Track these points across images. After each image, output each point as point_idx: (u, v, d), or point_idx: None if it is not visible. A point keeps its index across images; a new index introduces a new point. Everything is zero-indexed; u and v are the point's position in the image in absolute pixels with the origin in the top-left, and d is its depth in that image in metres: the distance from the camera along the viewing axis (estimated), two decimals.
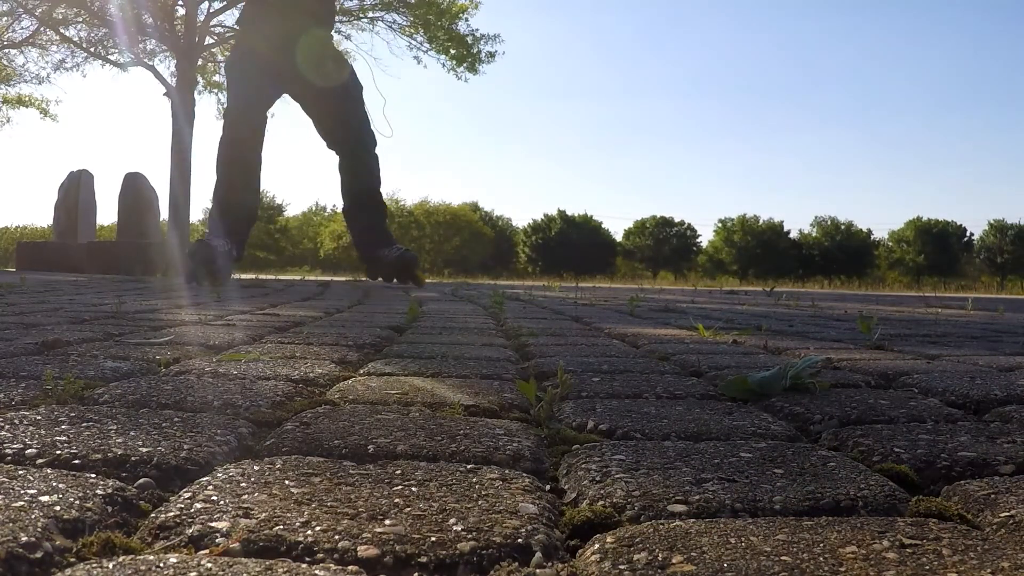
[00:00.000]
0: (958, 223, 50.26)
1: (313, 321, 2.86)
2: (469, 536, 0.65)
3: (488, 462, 0.89)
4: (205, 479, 0.79)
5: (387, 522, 0.68)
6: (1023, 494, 0.78)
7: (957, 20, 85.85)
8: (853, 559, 0.61)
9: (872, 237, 51.43)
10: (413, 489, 0.77)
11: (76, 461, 0.84)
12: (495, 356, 1.91)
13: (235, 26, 8.29)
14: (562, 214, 51.89)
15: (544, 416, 1.12)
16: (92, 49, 19.26)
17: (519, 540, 0.65)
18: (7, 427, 0.96)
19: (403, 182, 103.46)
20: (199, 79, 19.00)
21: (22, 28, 19.38)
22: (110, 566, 0.57)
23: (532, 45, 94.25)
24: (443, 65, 19.66)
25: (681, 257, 51.92)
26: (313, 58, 6.42)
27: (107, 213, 44.39)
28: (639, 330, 2.76)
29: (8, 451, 0.86)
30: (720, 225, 52.76)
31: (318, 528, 0.66)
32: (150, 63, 18.86)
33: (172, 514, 0.68)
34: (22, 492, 0.71)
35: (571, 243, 49.09)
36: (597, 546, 0.64)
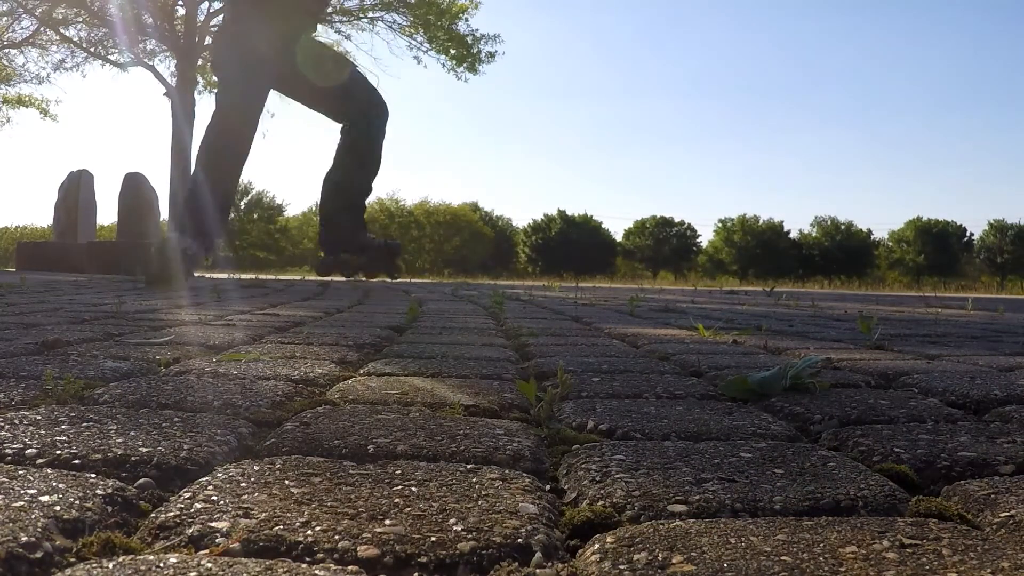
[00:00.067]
0: (958, 223, 50.31)
1: (313, 321, 2.86)
2: (469, 536, 0.65)
3: (488, 462, 0.89)
4: (205, 479, 0.79)
5: (387, 522, 0.68)
6: (1023, 494, 0.78)
7: (957, 20, 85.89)
8: (853, 559, 0.61)
9: (872, 237, 51.46)
10: (413, 489, 0.77)
11: (76, 461, 0.84)
12: (495, 356, 1.91)
13: (222, 21, 7.97)
14: (562, 214, 51.91)
15: (544, 416, 1.12)
16: (92, 49, 19.27)
17: (519, 540, 0.65)
18: (7, 427, 0.96)
19: (403, 182, 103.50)
20: (199, 79, 19.00)
21: (22, 28, 19.40)
22: (110, 566, 0.57)
23: (532, 45, 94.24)
24: (443, 65, 19.68)
25: (681, 257, 51.93)
26: (312, 57, 6.39)
27: (107, 213, 44.38)
28: (639, 330, 2.76)
29: (8, 451, 0.86)
30: (720, 225, 52.79)
31: (318, 528, 0.66)
32: (150, 63, 18.88)
33: (172, 514, 0.68)
34: (22, 492, 0.71)
35: (571, 243, 49.11)
36: (597, 546, 0.64)
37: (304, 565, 0.59)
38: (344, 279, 7.45)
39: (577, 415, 1.18)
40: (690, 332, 2.70)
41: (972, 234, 50.50)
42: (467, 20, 19.19)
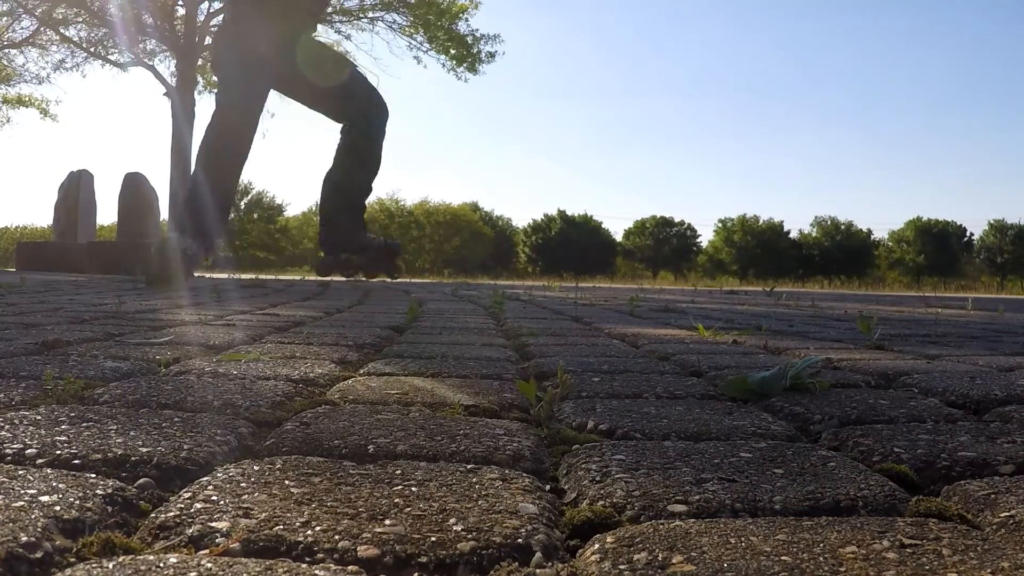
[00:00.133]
0: (958, 223, 50.33)
1: (313, 321, 2.86)
2: (469, 536, 0.65)
3: (488, 462, 0.89)
4: (205, 479, 0.79)
5: (387, 522, 0.68)
6: (1023, 494, 0.78)
7: (957, 20, 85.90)
8: (853, 559, 0.61)
9: (872, 237, 51.48)
10: (413, 489, 0.77)
11: (76, 461, 0.84)
12: (495, 356, 1.91)
13: (222, 21, 7.89)
14: (562, 214, 51.92)
15: (544, 416, 1.12)
16: (92, 49, 19.27)
17: (519, 540, 0.65)
18: (7, 427, 0.96)
19: (403, 182, 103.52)
20: (199, 79, 19.00)
21: (22, 28, 19.40)
22: (110, 566, 0.57)
23: (532, 45, 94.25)
24: (443, 65, 19.69)
25: (681, 257, 51.94)
26: (312, 57, 6.37)
27: (107, 213, 44.40)
28: (639, 330, 2.76)
29: (8, 451, 0.86)
30: (720, 225, 52.80)
31: (318, 528, 0.66)
32: (150, 63, 18.88)
33: (172, 514, 0.68)
34: (22, 492, 0.71)
35: (571, 243, 49.12)
36: (597, 546, 0.64)
37: (304, 565, 0.59)
38: (344, 279, 7.43)
39: (577, 415, 1.18)
40: (690, 332, 2.70)
41: (972, 234, 50.54)
42: (467, 20, 19.20)
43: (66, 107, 68.91)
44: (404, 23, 19.39)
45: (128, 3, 16.90)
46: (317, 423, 1.06)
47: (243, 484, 0.77)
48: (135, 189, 12.29)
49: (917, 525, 0.69)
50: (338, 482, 0.79)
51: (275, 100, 7.05)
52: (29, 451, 0.86)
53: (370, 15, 19.38)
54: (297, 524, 0.66)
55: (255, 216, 50.08)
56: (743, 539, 0.65)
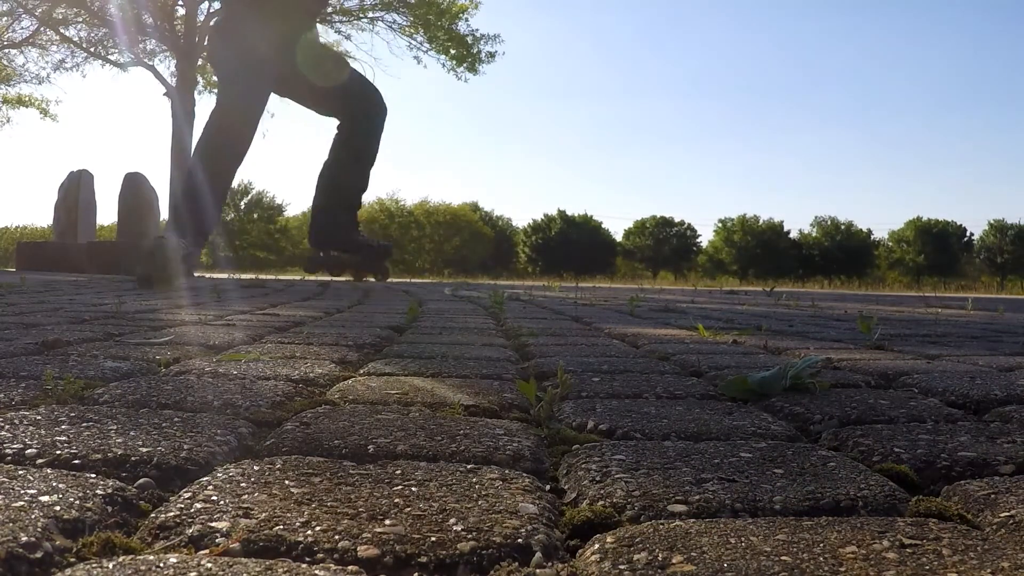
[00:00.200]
0: (958, 223, 50.36)
1: (313, 321, 2.86)
2: (469, 536, 0.65)
3: (488, 462, 0.89)
4: (205, 479, 0.79)
5: (387, 522, 0.68)
6: (1023, 494, 0.78)
7: (957, 20, 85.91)
8: (853, 559, 0.61)
9: (872, 237, 51.50)
10: (413, 489, 0.77)
11: (76, 461, 0.84)
12: (495, 356, 1.91)
13: (217, 18, 7.81)
14: (562, 214, 51.93)
15: (544, 416, 1.12)
16: (92, 49, 19.27)
17: (519, 540, 0.65)
18: (7, 427, 0.96)
19: (403, 182, 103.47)
20: (199, 79, 19.00)
21: (22, 28, 19.40)
22: (110, 566, 0.57)
23: (532, 45, 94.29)
24: (443, 65, 19.68)
25: (681, 257, 51.96)
26: (312, 57, 6.36)
27: (107, 213, 44.45)
28: (639, 330, 2.76)
29: (8, 451, 0.86)
30: (720, 225, 52.82)
31: (318, 528, 0.66)
32: (150, 63, 18.88)
33: (172, 514, 0.68)
34: (22, 492, 0.71)
35: (571, 243, 49.14)
36: (597, 546, 0.64)
37: (304, 565, 0.59)
38: (343, 280, 7.43)
39: (577, 415, 1.18)
40: (690, 332, 2.70)
41: (972, 234, 50.57)
42: (467, 20, 19.20)
43: (66, 107, 69.08)
44: (404, 23, 19.39)
45: (128, 3, 16.90)
46: (317, 423, 1.06)
47: (243, 484, 0.77)
48: (135, 189, 12.29)
49: (917, 525, 0.69)
50: (338, 482, 0.79)
51: (275, 100, 7.02)
52: (29, 451, 0.86)
53: (370, 15, 19.38)
54: (297, 524, 0.66)
55: (255, 216, 50.09)
56: (743, 539, 0.65)
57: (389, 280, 7.50)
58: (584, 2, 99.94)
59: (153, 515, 0.69)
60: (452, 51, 19.31)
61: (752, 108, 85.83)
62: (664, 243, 52.59)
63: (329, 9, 16.79)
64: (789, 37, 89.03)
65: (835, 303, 6.02)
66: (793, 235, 51.98)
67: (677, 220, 53.57)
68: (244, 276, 10.92)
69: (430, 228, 49.67)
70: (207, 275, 10.04)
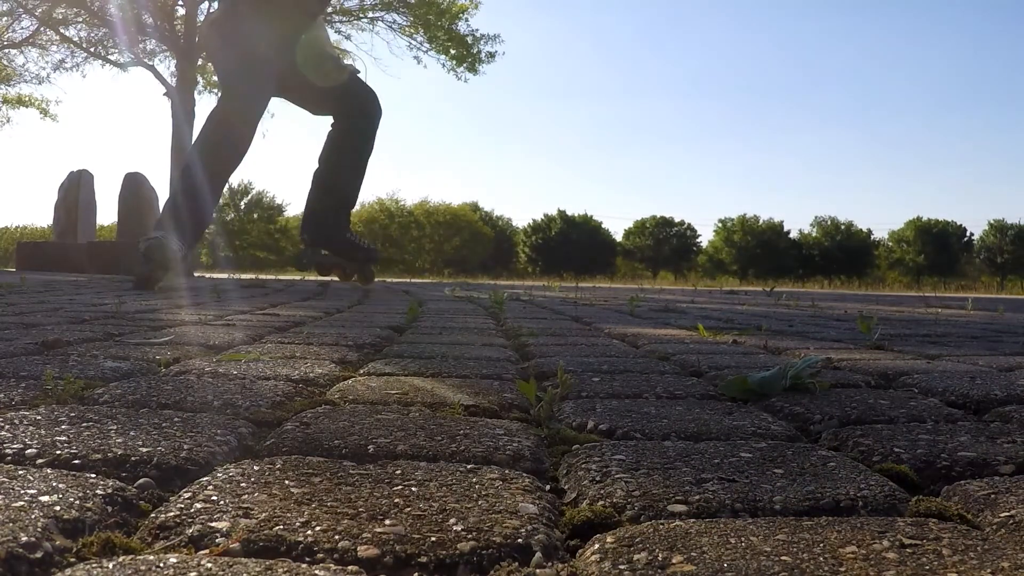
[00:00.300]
0: (958, 223, 50.38)
1: (313, 321, 2.86)
2: (469, 536, 0.65)
3: (488, 462, 0.89)
4: (205, 479, 0.79)
5: (387, 522, 0.68)
6: (1023, 494, 0.78)
7: (957, 20, 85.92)
8: (853, 559, 0.61)
9: (872, 237, 51.53)
10: (413, 489, 0.77)
11: (76, 461, 0.84)
12: (495, 356, 1.91)
13: (213, 14, 7.78)
14: (562, 214, 51.94)
15: (544, 416, 1.12)
16: (92, 49, 19.26)
17: (519, 540, 0.65)
18: (7, 427, 0.96)
19: (403, 182, 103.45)
20: (199, 79, 18.99)
21: (22, 28, 19.39)
22: (110, 566, 0.57)
23: (532, 45, 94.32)
24: (443, 65, 19.67)
25: (681, 257, 51.98)
26: (313, 57, 6.35)
27: (107, 213, 44.46)
28: (639, 330, 2.76)
29: (8, 451, 0.86)
30: (720, 225, 52.84)
31: (318, 528, 0.66)
32: (150, 63, 18.87)
33: (172, 514, 0.68)
34: (22, 492, 0.71)
35: (571, 243, 49.16)
36: (597, 546, 0.64)
37: (304, 565, 0.59)
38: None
39: (577, 415, 1.18)
40: (690, 332, 2.70)
41: (972, 234, 50.59)
42: (467, 20, 19.18)
43: (66, 107, 69.00)
44: (404, 23, 19.38)
45: (128, 3, 16.89)
46: (317, 423, 1.06)
47: (243, 484, 0.77)
48: (135, 189, 12.29)
49: (917, 525, 0.69)
50: (338, 482, 0.79)
51: (275, 100, 7.01)
52: (29, 451, 0.86)
53: (370, 15, 19.37)
54: (297, 524, 0.66)
55: (255, 216, 50.10)
56: (743, 539, 0.65)
57: (389, 280, 7.50)
58: (584, 2, 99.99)
59: (153, 515, 0.69)
60: (452, 51, 19.30)
61: (752, 108, 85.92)
62: (664, 243, 52.61)
63: (329, 9, 16.78)
64: (789, 37, 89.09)
65: (835, 303, 6.02)
66: (793, 235, 52.04)
67: (677, 220, 53.64)
68: (244, 276, 10.92)
69: (430, 228, 49.67)
70: (207, 275, 10.04)
